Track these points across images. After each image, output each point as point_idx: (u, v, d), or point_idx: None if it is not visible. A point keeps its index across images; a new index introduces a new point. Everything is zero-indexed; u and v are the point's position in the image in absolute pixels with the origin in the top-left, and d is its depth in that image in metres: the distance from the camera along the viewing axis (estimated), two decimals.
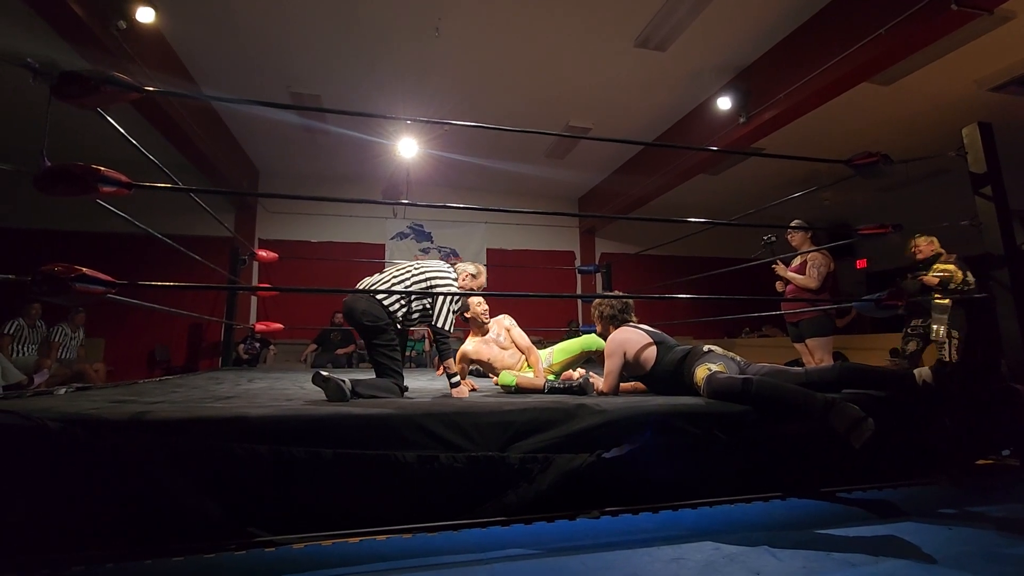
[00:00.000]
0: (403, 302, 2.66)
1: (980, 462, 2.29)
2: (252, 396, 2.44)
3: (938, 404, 2.17)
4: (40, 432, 1.41)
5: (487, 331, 3.24)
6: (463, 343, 3.34)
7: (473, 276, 2.96)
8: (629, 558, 1.43)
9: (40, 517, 1.38)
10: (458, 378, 2.66)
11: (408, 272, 2.74)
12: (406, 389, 2.60)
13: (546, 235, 9.74)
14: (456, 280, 2.83)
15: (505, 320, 3.32)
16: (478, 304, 3.20)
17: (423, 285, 2.70)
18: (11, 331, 5.54)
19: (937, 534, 1.57)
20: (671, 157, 6.99)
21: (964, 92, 5.85)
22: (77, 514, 1.40)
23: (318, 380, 2.22)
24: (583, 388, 2.59)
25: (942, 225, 2.83)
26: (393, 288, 2.67)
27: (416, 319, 2.72)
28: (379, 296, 2.62)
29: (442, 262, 2.88)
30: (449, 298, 2.68)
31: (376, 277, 2.76)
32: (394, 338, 2.64)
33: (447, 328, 2.69)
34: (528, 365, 3.18)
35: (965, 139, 2.73)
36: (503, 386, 2.90)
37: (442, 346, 2.69)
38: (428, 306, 2.69)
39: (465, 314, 3.22)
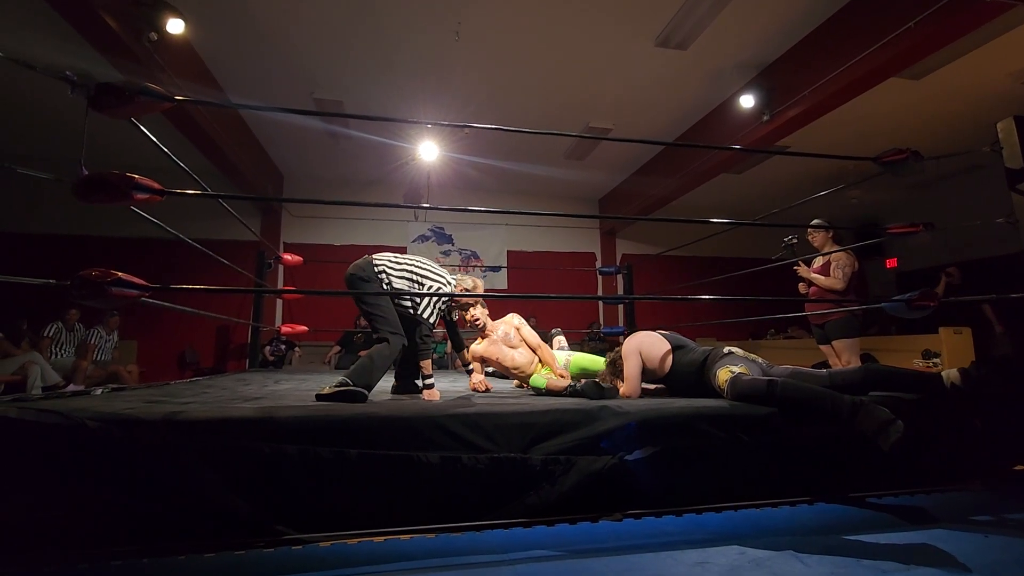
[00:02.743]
0: (391, 267, 2.81)
1: (1018, 467, 2.21)
2: (279, 397, 2.49)
3: (968, 406, 2.10)
4: (80, 431, 1.46)
5: (487, 335, 3.27)
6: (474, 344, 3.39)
7: (467, 290, 3.01)
8: (652, 561, 1.42)
9: (80, 512, 1.43)
10: (432, 380, 2.74)
11: (411, 257, 2.93)
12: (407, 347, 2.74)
13: (567, 236, 9.72)
14: (446, 283, 2.91)
15: (514, 319, 3.33)
16: (469, 315, 3.20)
17: (417, 269, 2.85)
18: (50, 334, 5.75)
19: (971, 541, 1.52)
20: (693, 157, 6.91)
21: (999, 85, 5.67)
22: (115, 510, 1.45)
23: (324, 399, 2.28)
24: (604, 391, 2.59)
25: (976, 223, 2.74)
26: (395, 260, 2.85)
27: (402, 281, 2.80)
28: (374, 261, 2.81)
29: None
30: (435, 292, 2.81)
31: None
32: (382, 292, 2.75)
33: (430, 321, 2.78)
34: (541, 363, 3.19)
35: (1000, 134, 2.64)
36: (533, 388, 2.98)
37: (422, 346, 2.78)
38: (413, 277, 2.81)
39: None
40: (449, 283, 2.91)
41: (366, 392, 2.39)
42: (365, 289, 2.75)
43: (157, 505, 1.47)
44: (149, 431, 1.53)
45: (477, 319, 3.19)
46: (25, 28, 4.52)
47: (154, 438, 1.51)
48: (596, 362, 3.30)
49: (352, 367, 2.52)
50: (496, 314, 3.35)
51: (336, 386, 2.32)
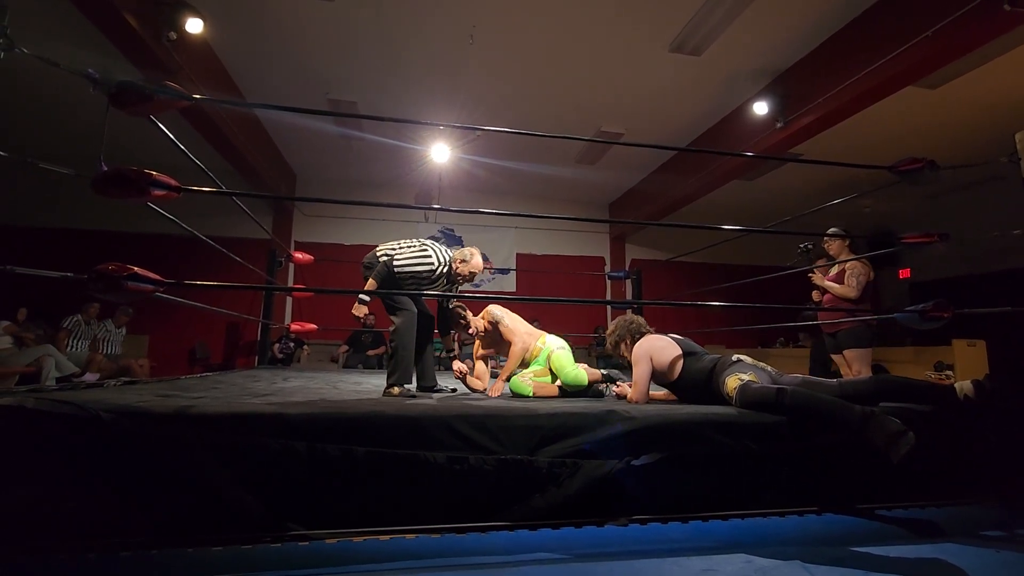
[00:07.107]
0: (389, 250, 3.09)
1: None
2: (288, 394, 2.51)
3: (981, 419, 2.08)
4: (94, 422, 1.49)
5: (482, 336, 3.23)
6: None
7: (464, 261, 3.10)
8: (657, 567, 1.42)
9: (91, 502, 1.45)
10: (367, 299, 3.02)
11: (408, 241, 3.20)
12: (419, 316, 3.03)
13: (576, 240, 9.70)
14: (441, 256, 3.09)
15: (495, 311, 3.26)
16: (465, 265, 3.16)
17: (414, 244, 3.16)
18: (69, 326, 5.83)
19: (982, 557, 1.50)
20: (705, 163, 6.89)
21: (1018, 95, 5.60)
22: (124, 501, 1.47)
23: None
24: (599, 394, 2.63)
25: (993, 234, 2.71)
26: (397, 244, 3.15)
27: (405, 258, 3.05)
28: (376, 251, 3.14)
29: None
30: (418, 256, 3.05)
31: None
32: (385, 270, 2.98)
33: (404, 263, 2.99)
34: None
35: (1018, 144, 2.62)
36: (514, 391, 2.90)
37: (378, 269, 2.97)
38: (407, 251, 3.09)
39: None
40: (445, 261, 3.09)
41: (410, 387, 2.84)
42: (369, 275, 3.02)
43: (166, 497, 1.49)
44: (160, 424, 1.55)
45: (489, 326, 3.21)
46: (49, 28, 4.61)
47: (165, 431, 1.53)
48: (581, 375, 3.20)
49: (389, 367, 2.86)
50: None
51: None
